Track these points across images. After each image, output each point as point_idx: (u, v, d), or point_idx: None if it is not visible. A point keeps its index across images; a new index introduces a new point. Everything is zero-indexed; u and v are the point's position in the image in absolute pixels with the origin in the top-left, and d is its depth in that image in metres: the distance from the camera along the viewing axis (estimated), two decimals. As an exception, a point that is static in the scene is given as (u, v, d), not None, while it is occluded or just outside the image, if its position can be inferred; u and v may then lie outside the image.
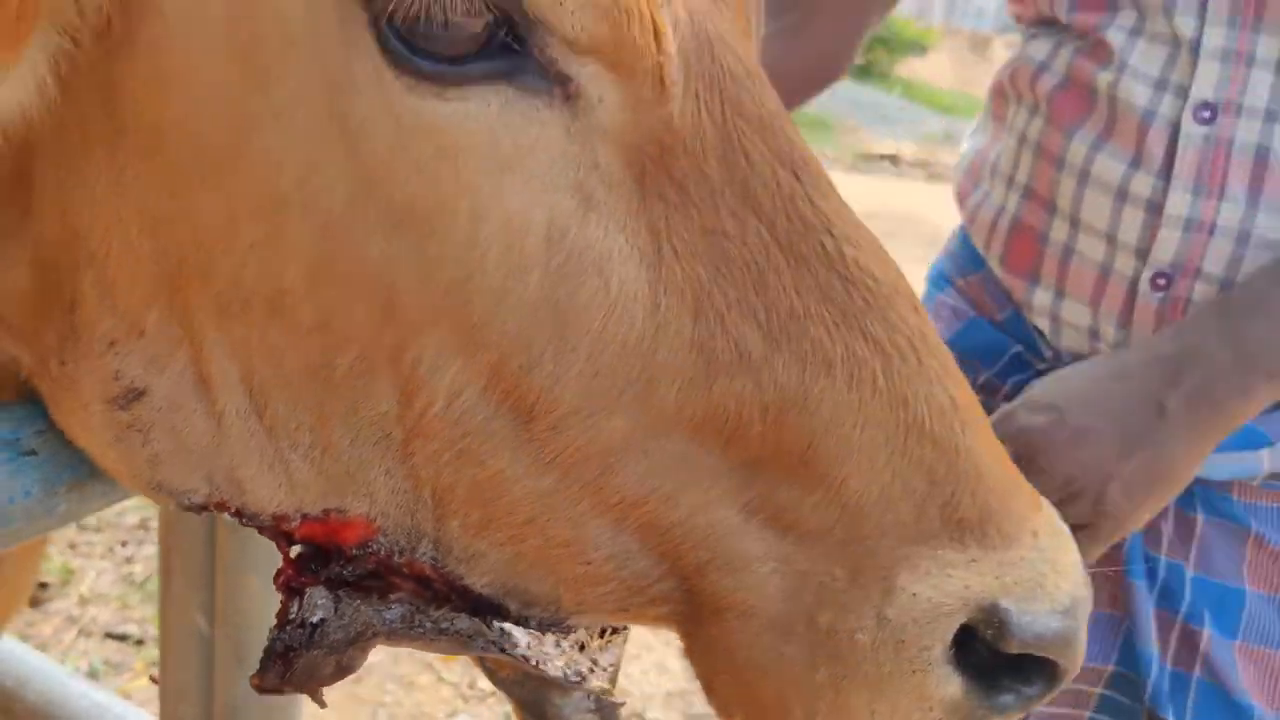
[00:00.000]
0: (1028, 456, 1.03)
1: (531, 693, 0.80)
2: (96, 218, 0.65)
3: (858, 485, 0.65)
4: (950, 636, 0.65)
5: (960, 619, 0.65)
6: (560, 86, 0.62)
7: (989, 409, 1.25)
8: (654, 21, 0.62)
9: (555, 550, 0.68)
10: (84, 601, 2.88)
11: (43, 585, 2.89)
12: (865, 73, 14.16)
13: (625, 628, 0.87)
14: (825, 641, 0.66)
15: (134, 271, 0.65)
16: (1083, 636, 0.68)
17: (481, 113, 0.61)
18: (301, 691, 0.73)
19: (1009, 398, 1.25)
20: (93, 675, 2.59)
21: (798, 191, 0.66)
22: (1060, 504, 1.00)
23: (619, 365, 0.64)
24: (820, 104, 12.34)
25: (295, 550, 0.74)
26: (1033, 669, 0.68)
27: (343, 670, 0.73)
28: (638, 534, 0.67)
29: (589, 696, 0.79)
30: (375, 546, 0.70)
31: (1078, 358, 1.20)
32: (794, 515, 0.66)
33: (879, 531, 0.66)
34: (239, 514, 0.71)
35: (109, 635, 2.74)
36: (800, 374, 0.65)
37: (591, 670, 0.84)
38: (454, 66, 0.60)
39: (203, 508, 0.72)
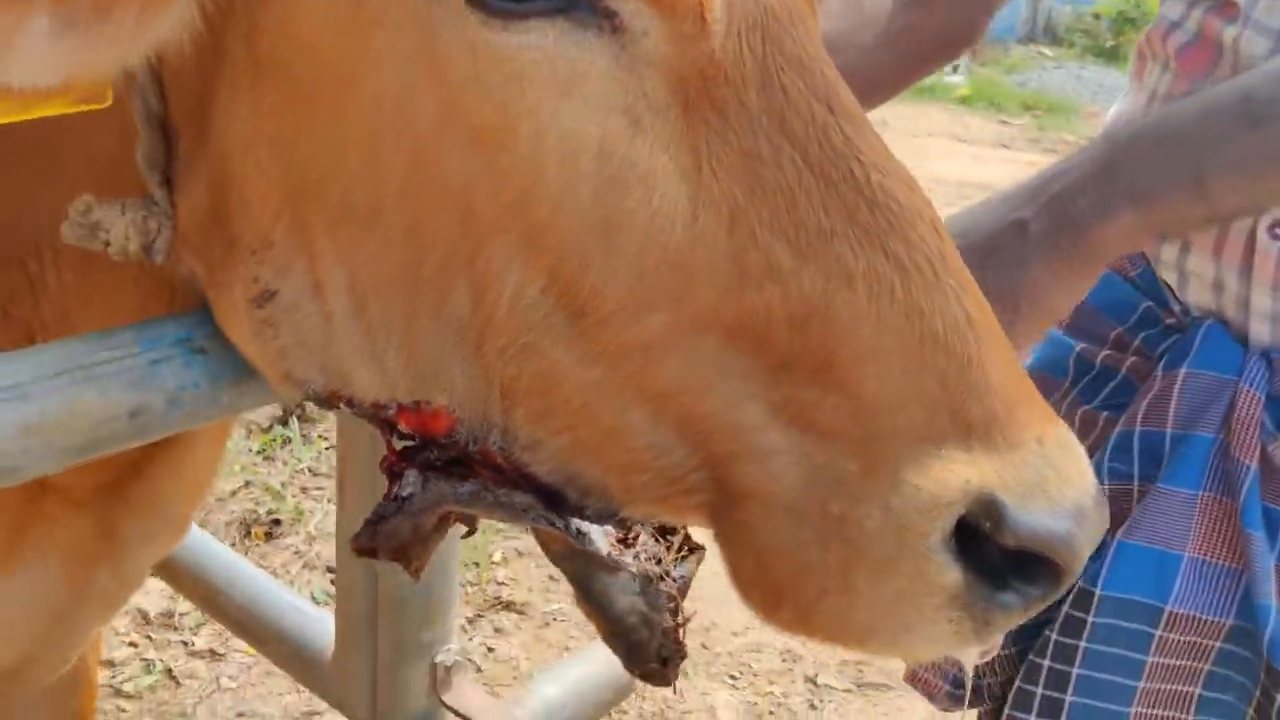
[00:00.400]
0: None
1: (579, 568, 0.88)
2: (239, 141, 0.80)
3: (874, 388, 0.72)
4: (949, 526, 0.71)
5: (959, 510, 0.71)
6: (607, 20, 0.72)
7: (1120, 365, 1.26)
8: None
9: (603, 438, 0.77)
10: (310, 539, 3.19)
11: (275, 522, 3.23)
12: (1113, 55, 13.44)
13: (701, 549, 0.96)
14: (837, 527, 0.73)
15: (265, 189, 0.80)
16: (1084, 542, 0.72)
17: (540, 43, 0.72)
18: (388, 554, 0.87)
19: (1139, 353, 1.26)
20: (315, 603, 2.87)
21: (830, 123, 0.74)
22: None
23: (660, 270, 0.73)
24: (1064, 87, 11.85)
25: (400, 443, 0.87)
26: (1037, 570, 0.73)
27: (418, 534, 0.86)
28: (674, 425, 0.75)
29: (634, 579, 0.87)
30: (457, 435, 0.82)
31: (1205, 313, 1.20)
32: (814, 414, 0.73)
33: (891, 431, 0.72)
34: (349, 403, 0.84)
35: (329, 569, 3.02)
36: (824, 286, 0.72)
37: (662, 578, 0.93)
38: (518, 3, 0.71)
39: (322, 398, 0.85)
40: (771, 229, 0.72)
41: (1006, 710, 1.22)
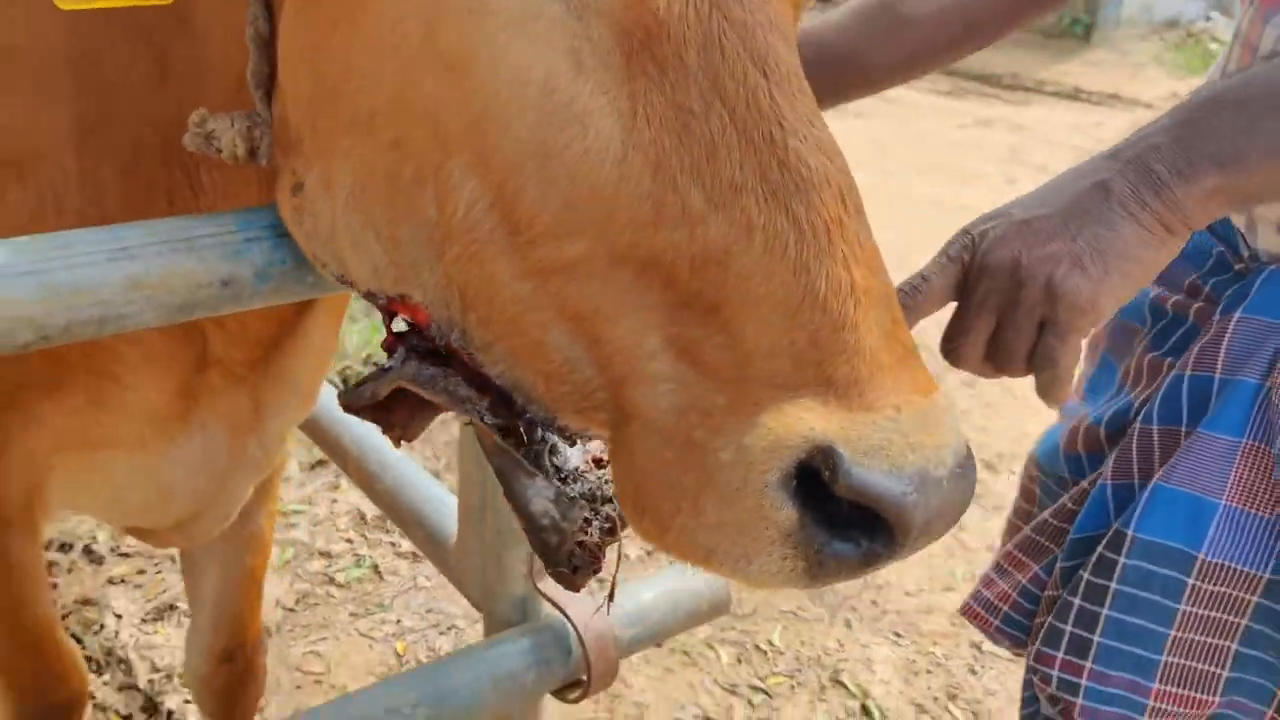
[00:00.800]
0: (979, 259, 1.02)
1: (504, 466, 0.97)
2: (287, 53, 0.95)
3: (752, 334, 0.78)
4: (788, 467, 0.76)
5: (799, 454, 0.76)
6: None
7: (1188, 311, 1.24)
8: None
9: (531, 349, 0.87)
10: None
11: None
12: None
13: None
14: (697, 455, 0.80)
15: (298, 96, 0.94)
16: (925, 509, 0.76)
17: None
18: (367, 415, 1.01)
19: (1207, 299, 1.23)
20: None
21: (761, 86, 0.80)
22: (1012, 296, 1.00)
23: (587, 200, 0.81)
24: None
25: (399, 328, 1.01)
26: (878, 527, 0.78)
27: (375, 399, 0.99)
28: (585, 345, 0.84)
29: (550, 487, 0.95)
30: (431, 330, 0.94)
31: (1272, 258, 1.16)
32: (699, 350, 0.80)
33: (760, 375, 0.78)
34: (353, 287, 0.98)
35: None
36: (727, 235, 0.79)
37: (609, 500, 1.01)
38: None
39: (337, 281, 1.00)
40: (691, 177, 0.79)
41: (1035, 645, 1.22)
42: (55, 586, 2.88)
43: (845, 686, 2.70)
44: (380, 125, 0.88)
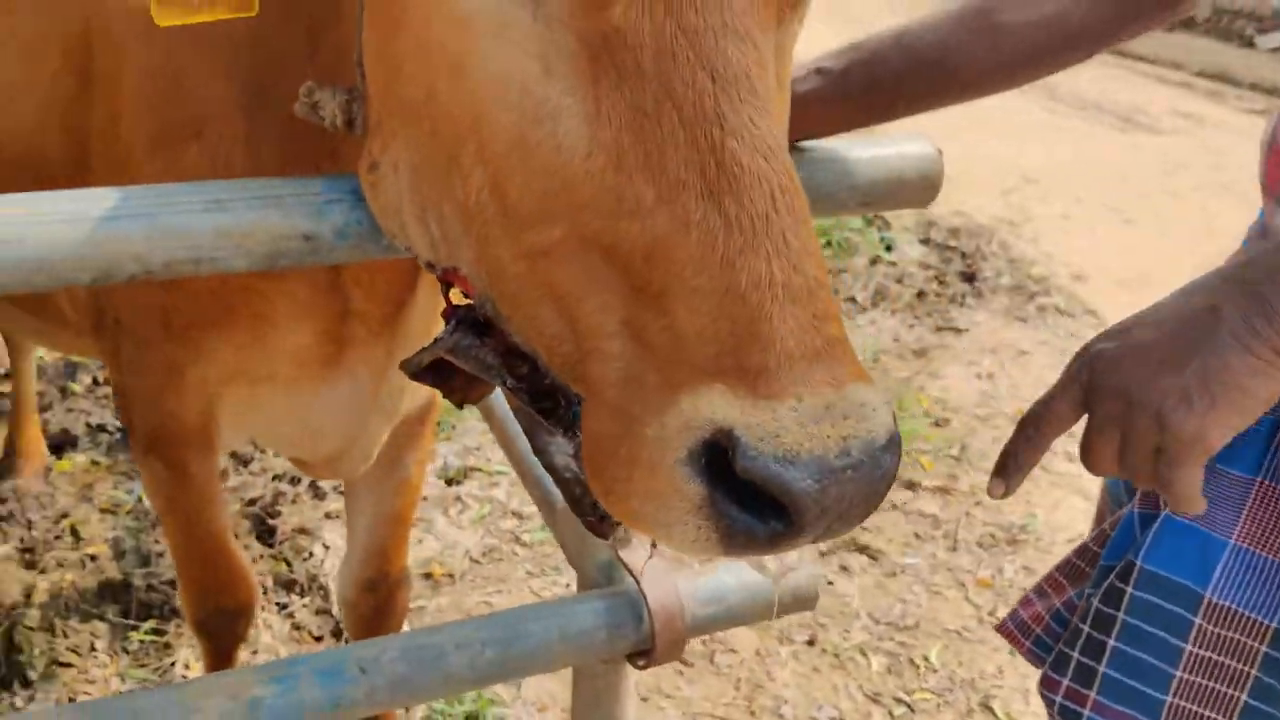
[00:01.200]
0: (1095, 382, 1.02)
1: (527, 424, 1.06)
2: (366, 45, 1.07)
3: (684, 321, 0.84)
4: (694, 446, 0.82)
5: (703, 435, 0.82)
6: None
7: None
8: None
9: (532, 323, 0.96)
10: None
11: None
12: None
13: None
14: (631, 428, 0.86)
15: (373, 84, 1.07)
16: (818, 495, 0.80)
17: None
18: (427, 381, 1.12)
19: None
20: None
21: (707, 89, 0.86)
22: (1127, 424, 0.98)
23: (561, 191, 0.90)
24: None
25: (457, 299, 1.11)
26: (782, 509, 0.82)
27: (419, 366, 1.09)
28: (566, 321, 0.92)
29: (570, 444, 1.01)
30: (474, 300, 1.03)
31: None
32: (645, 333, 0.87)
33: (689, 360, 0.84)
34: (417, 257, 1.09)
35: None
36: (669, 228, 0.85)
37: None
38: None
39: (406, 250, 1.11)
40: (644, 173, 0.86)
41: (1044, 669, 1.18)
42: (279, 515, 3.21)
43: (994, 713, 2.62)
44: (424, 118, 1.00)
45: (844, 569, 3.08)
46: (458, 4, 0.92)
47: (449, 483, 3.41)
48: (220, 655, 2.09)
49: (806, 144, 1.39)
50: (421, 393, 1.87)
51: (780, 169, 0.86)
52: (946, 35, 1.29)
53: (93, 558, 2.98)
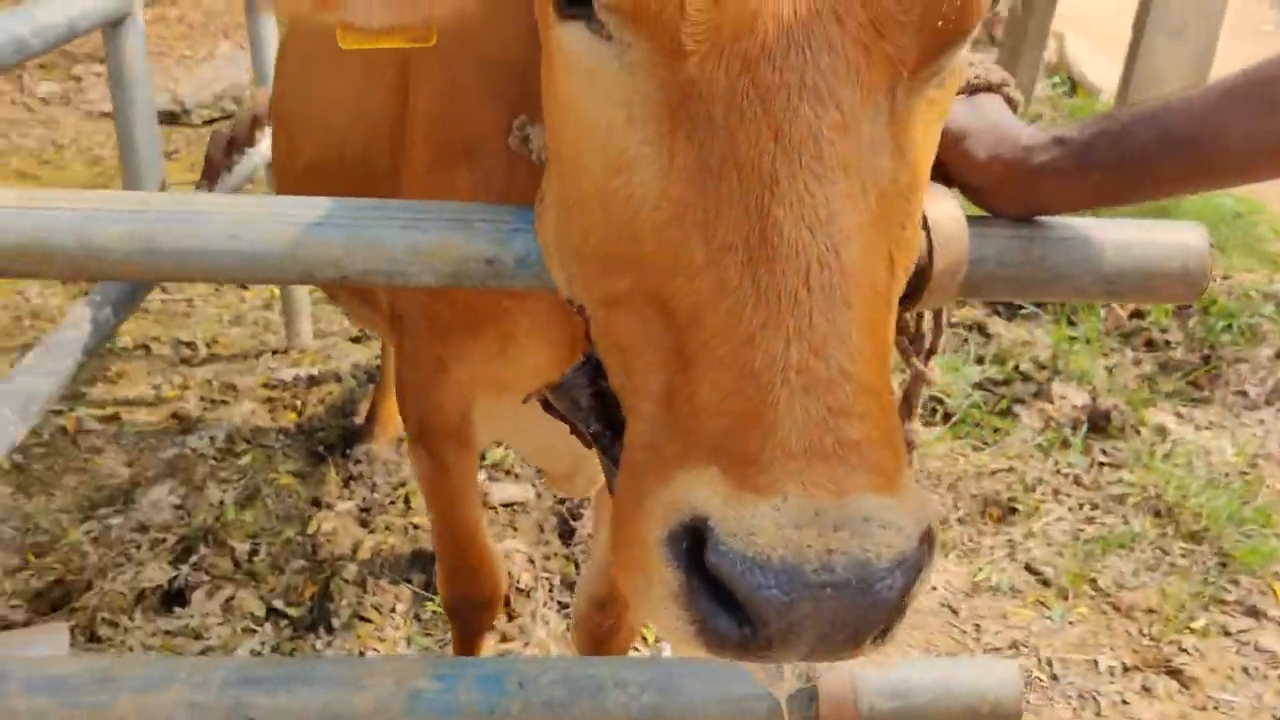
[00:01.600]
0: None
1: (604, 464, 1.08)
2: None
3: (703, 392, 0.80)
4: (672, 528, 0.78)
5: (683, 519, 0.77)
6: (603, 27, 0.87)
7: None
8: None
9: (610, 370, 0.96)
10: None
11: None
12: None
13: None
14: (638, 496, 0.83)
15: (544, 130, 1.10)
16: (778, 607, 0.73)
17: (574, 37, 0.91)
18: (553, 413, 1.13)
19: None
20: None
21: (768, 151, 0.81)
22: None
23: (630, 242, 0.88)
24: None
25: None
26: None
27: (536, 396, 1.11)
28: (625, 374, 0.91)
29: None
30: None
31: None
32: (674, 399, 0.83)
33: (697, 433, 0.80)
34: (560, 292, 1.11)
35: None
36: (710, 291, 0.82)
37: None
38: (567, 8, 0.91)
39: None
40: (700, 232, 0.82)
41: None
42: (580, 518, 3.35)
43: None
44: (554, 158, 1.05)
45: (1146, 690, 2.74)
46: (567, 48, 0.93)
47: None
48: (465, 640, 2.21)
49: (1047, 220, 1.26)
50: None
51: (827, 243, 0.79)
52: (1211, 110, 1.12)
53: (415, 526, 3.26)
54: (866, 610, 0.74)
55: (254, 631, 2.82)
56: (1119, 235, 1.26)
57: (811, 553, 0.73)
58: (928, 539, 0.79)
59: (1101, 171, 1.18)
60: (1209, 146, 1.12)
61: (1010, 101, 1.29)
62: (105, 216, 1.18)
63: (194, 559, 3.02)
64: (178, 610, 2.87)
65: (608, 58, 0.89)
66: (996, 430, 3.76)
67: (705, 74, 0.84)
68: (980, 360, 4.14)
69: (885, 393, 0.81)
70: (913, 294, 1.23)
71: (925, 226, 1.18)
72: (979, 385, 3.99)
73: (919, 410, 1.45)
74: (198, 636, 2.79)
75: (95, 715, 1.39)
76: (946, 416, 3.83)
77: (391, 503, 3.37)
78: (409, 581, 3.06)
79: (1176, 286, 1.26)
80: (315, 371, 3.98)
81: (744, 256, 0.80)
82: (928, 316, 1.38)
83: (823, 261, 0.79)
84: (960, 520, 3.32)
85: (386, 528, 3.26)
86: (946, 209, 1.21)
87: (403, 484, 3.45)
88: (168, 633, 2.79)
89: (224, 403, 3.85)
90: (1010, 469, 3.55)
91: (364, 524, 3.27)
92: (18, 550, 3.07)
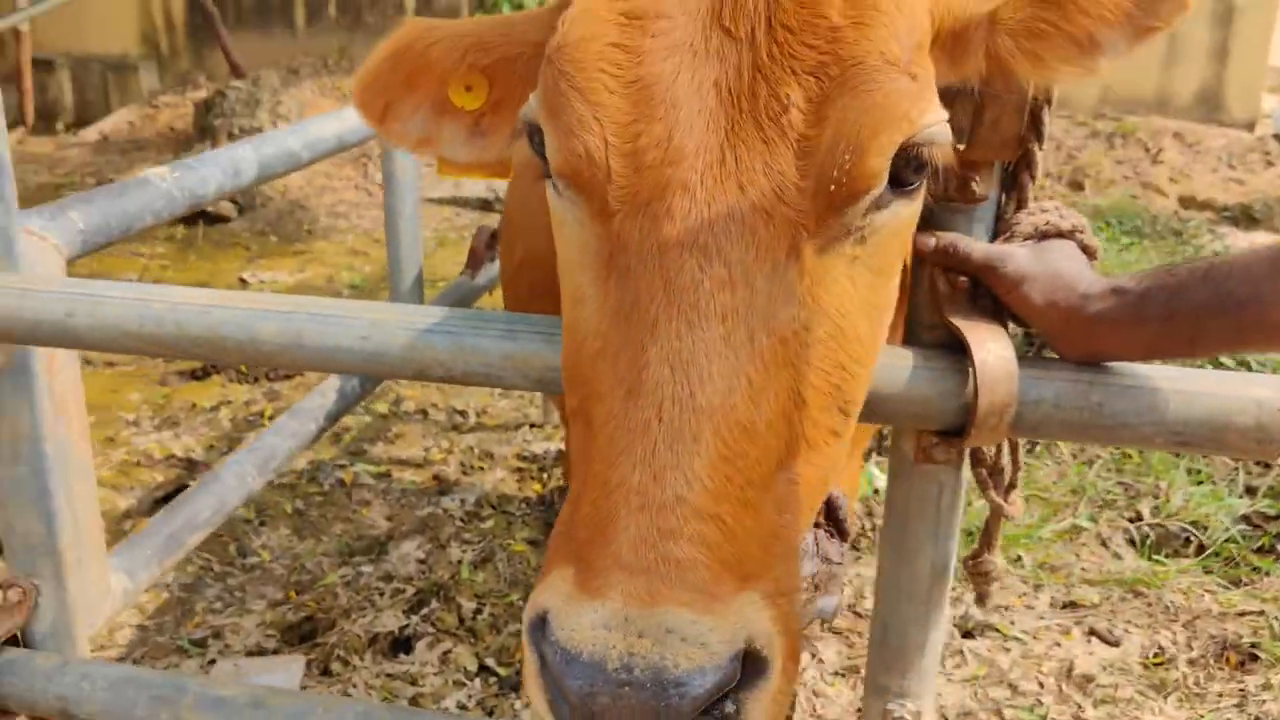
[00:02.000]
0: None
1: None
2: None
3: (583, 507, 0.92)
4: (533, 618, 0.90)
5: (538, 611, 0.89)
6: (558, 187, 1.02)
7: None
8: (608, 167, 0.95)
9: None
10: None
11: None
12: None
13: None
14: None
15: None
16: (580, 694, 0.83)
17: (550, 192, 1.06)
18: None
19: None
20: None
21: (656, 298, 0.94)
22: None
23: (575, 366, 1.01)
24: None
25: None
26: None
27: None
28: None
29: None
30: None
31: None
32: (575, 504, 0.95)
33: (571, 540, 0.91)
34: None
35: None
36: (602, 419, 0.94)
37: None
38: (547, 170, 1.06)
39: None
40: (610, 366, 0.94)
41: None
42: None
43: None
44: None
45: None
46: (549, 201, 1.08)
47: (965, 635, 3.32)
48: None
49: (1114, 366, 1.27)
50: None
51: (683, 381, 0.88)
52: (1266, 275, 1.10)
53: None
54: (659, 711, 0.81)
55: (464, 685, 3.06)
56: (1187, 385, 1.24)
57: (614, 653, 0.82)
58: (750, 660, 0.85)
59: (1155, 325, 1.18)
60: (1263, 312, 1.10)
61: (1085, 248, 1.31)
62: (266, 316, 1.42)
63: (425, 611, 3.31)
64: (402, 656, 3.16)
65: (566, 211, 1.04)
66: (1255, 570, 3.47)
67: (626, 230, 0.96)
68: (1251, 491, 3.84)
69: (734, 519, 0.88)
70: (960, 431, 1.27)
71: (971, 366, 1.23)
72: (1244, 519, 3.70)
73: (998, 543, 1.46)
74: (413, 683, 3.06)
75: (245, 735, 1.63)
76: (1200, 549, 3.58)
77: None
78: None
79: (1250, 442, 1.21)
80: (563, 447, 4.26)
81: (625, 390, 0.91)
82: (1006, 450, 1.40)
83: (676, 398, 0.89)
84: (1190, 661, 3.10)
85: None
86: (996, 350, 1.24)
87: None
88: (389, 675, 3.08)
89: (480, 469, 4.19)
90: (1260, 613, 3.27)
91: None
92: (283, 586, 3.48)
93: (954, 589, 3.43)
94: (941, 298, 1.30)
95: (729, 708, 0.85)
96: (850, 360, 0.99)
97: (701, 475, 0.87)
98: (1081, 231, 1.31)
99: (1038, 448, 4.14)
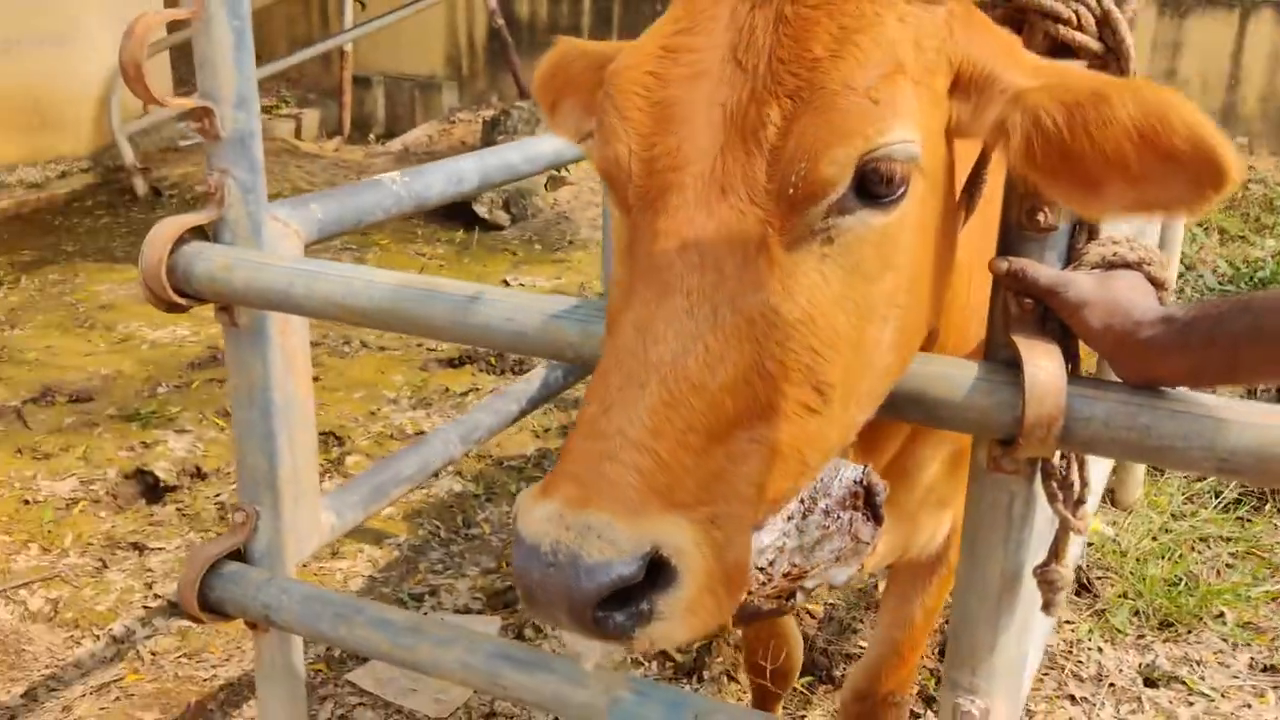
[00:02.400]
0: None
1: None
2: None
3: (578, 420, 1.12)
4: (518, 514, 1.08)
5: (520, 503, 1.08)
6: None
7: None
8: (630, 169, 1.16)
9: None
10: None
11: None
12: None
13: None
14: None
15: None
16: (523, 571, 1.02)
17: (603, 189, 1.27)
18: None
19: None
20: None
21: (643, 275, 1.13)
22: None
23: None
24: None
25: None
26: None
27: None
28: None
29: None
30: None
31: None
32: None
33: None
34: None
35: None
36: (598, 370, 1.13)
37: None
38: None
39: None
40: (618, 338, 1.13)
41: None
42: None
43: None
44: None
45: None
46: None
47: (1148, 683, 3.24)
48: (760, 700, 2.49)
49: (1170, 391, 1.34)
50: (931, 539, 2.05)
51: (640, 340, 1.08)
52: None
53: (808, 613, 3.55)
54: (571, 590, 0.99)
55: (641, 664, 3.29)
56: (1235, 415, 1.29)
57: (547, 540, 1.01)
58: (661, 567, 1.02)
59: (1198, 352, 1.25)
60: None
61: (1153, 279, 1.38)
62: (434, 296, 1.71)
63: (618, 593, 3.56)
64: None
65: (609, 204, 1.25)
66: None
67: (638, 222, 1.16)
68: None
69: (670, 455, 1.04)
70: (1011, 442, 1.38)
71: (1022, 380, 1.34)
72: None
73: (1065, 553, 1.53)
74: (594, 656, 3.31)
75: (403, 652, 1.92)
76: None
77: (796, 586, 3.68)
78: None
79: (1299, 472, 1.26)
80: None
81: (612, 346, 1.11)
82: (1075, 465, 1.48)
83: (633, 352, 1.07)
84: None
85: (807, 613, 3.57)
86: (1047, 366, 1.34)
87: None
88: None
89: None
90: None
91: (765, 599, 3.62)
92: (496, 556, 3.83)
93: (1142, 635, 3.36)
94: (1011, 318, 1.41)
95: (644, 606, 1.02)
96: (823, 346, 1.12)
97: (642, 415, 1.05)
98: (1149, 264, 1.38)
99: (1250, 504, 3.95)
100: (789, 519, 1.28)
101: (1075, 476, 1.48)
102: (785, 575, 1.28)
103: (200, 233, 1.97)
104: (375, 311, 1.76)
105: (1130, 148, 1.13)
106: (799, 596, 1.29)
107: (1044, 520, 1.53)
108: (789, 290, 1.12)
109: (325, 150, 9.92)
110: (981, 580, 1.56)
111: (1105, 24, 1.30)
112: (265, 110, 10.53)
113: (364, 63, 10.59)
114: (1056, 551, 1.54)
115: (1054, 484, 1.48)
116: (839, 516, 1.33)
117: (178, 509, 4.07)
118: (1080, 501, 1.49)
